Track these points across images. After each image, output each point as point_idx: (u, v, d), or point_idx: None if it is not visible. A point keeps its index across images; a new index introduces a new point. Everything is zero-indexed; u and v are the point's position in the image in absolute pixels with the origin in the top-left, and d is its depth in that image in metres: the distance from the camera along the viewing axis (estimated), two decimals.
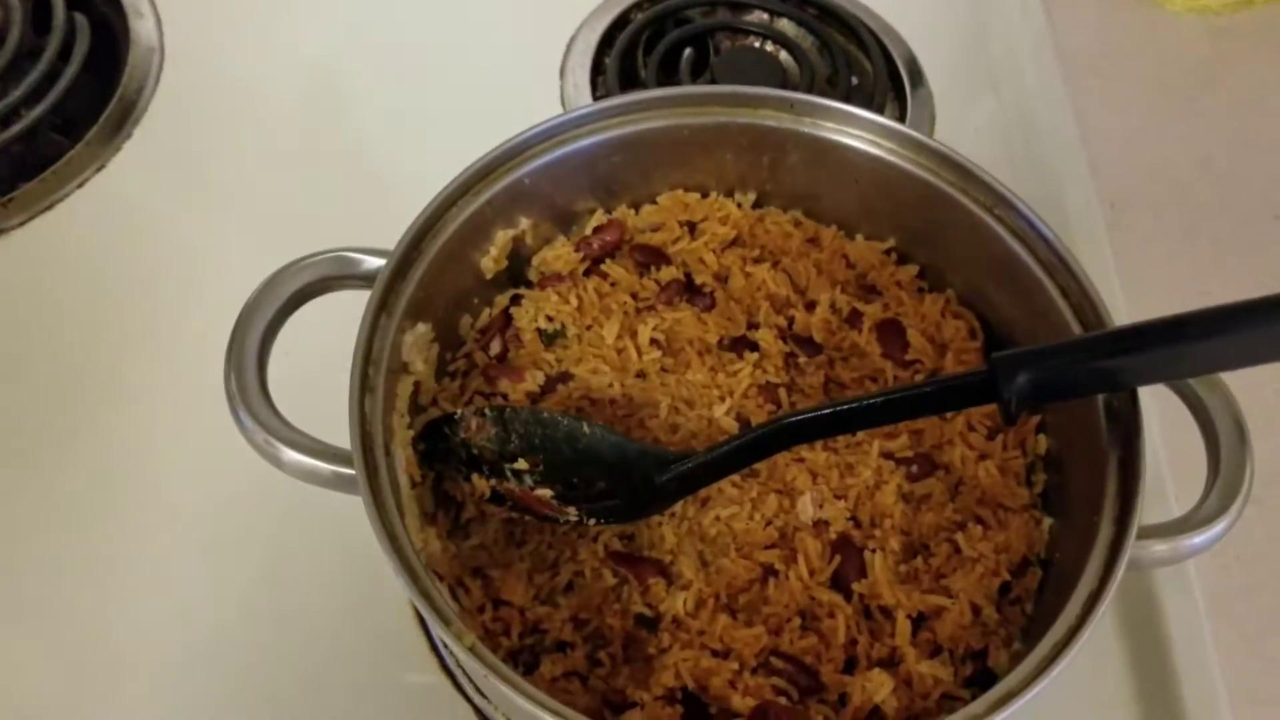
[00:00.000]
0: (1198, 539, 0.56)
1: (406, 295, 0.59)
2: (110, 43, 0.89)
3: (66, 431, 0.73)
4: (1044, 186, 0.85)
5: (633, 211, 0.70)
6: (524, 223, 0.66)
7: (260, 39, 0.91)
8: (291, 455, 0.55)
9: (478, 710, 0.66)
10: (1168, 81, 0.93)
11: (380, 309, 0.58)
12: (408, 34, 0.93)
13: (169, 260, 0.80)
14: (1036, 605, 0.59)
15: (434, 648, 0.68)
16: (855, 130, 0.65)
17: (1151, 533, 0.56)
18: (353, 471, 0.54)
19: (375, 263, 0.59)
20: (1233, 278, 0.82)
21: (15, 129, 0.82)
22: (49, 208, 0.81)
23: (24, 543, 0.70)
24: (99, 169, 0.83)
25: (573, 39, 0.92)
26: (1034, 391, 0.54)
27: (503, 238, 0.65)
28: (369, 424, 0.55)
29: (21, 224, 0.80)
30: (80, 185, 0.82)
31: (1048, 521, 0.62)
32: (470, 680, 0.66)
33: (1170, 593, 0.70)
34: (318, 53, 0.91)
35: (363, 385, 0.56)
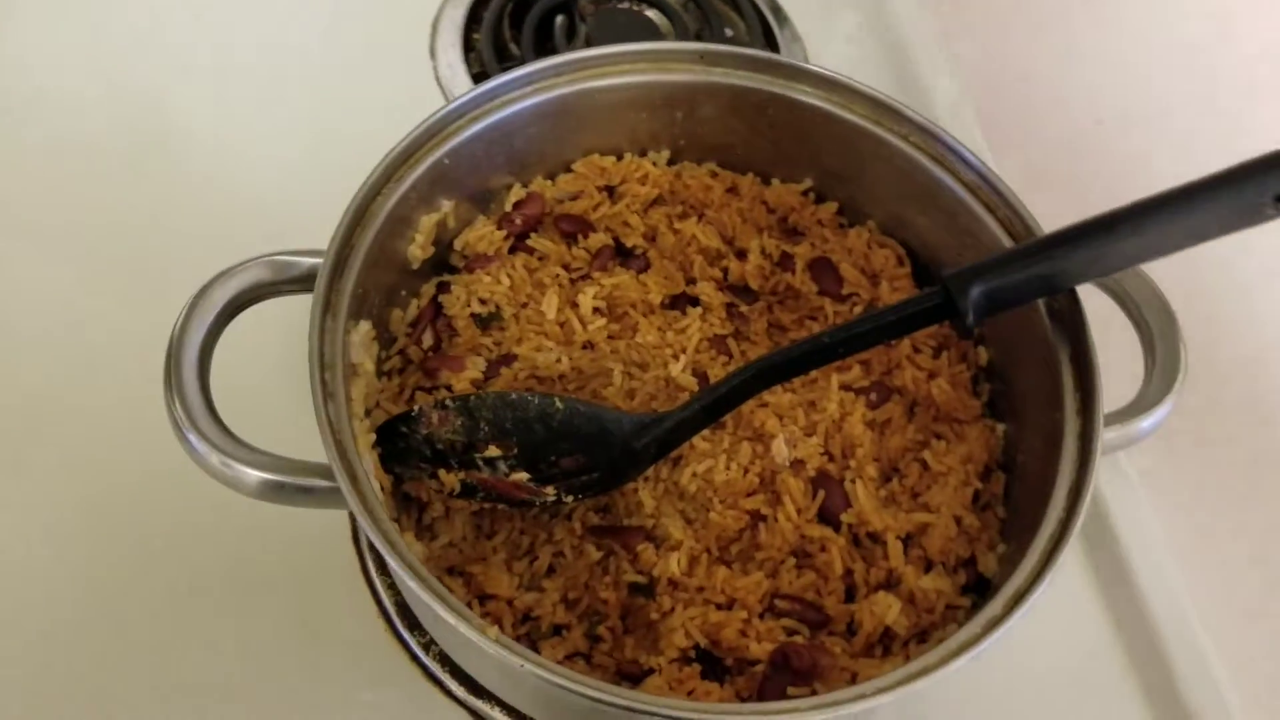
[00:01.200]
0: (1146, 422, 0.60)
1: (347, 293, 0.56)
2: None
3: None
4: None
5: (549, 182, 0.69)
6: (446, 205, 0.64)
7: (87, 56, 0.85)
8: (254, 474, 0.52)
9: (473, 712, 0.64)
10: (987, 3, 0.97)
11: (325, 310, 0.55)
12: (265, 36, 0.88)
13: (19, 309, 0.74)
14: (1007, 507, 0.62)
15: (414, 657, 0.65)
16: (766, 75, 0.66)
17: (1105, 421, 0.59)
18: (324, 484, 0.51)
19: (310, 263, 0.56)
20: (1063, 181, 0.86)
21: None
22: None
23: None
24: None
25: (437, 19, 0.89)
26: (987, 302, 0.57)
27: (427, 223, 0.63)
28: (339, 432, 0.52)
29: None
30: None
31: (1000, 427, 0.64)
32: (460, 682, 0.64)
33: (1106, 476, 0.74)
34: (161, 72, 0.85)
35: (324, 391, 0.53)
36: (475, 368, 0.63)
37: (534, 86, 0.64)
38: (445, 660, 0.64)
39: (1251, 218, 0.56)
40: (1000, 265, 0.57)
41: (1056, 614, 0.72)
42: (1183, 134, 0.87)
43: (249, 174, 0.81)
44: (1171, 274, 0.63)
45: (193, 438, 0.52)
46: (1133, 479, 0.74)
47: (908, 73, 0.90)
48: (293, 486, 0.52)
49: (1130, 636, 0.72)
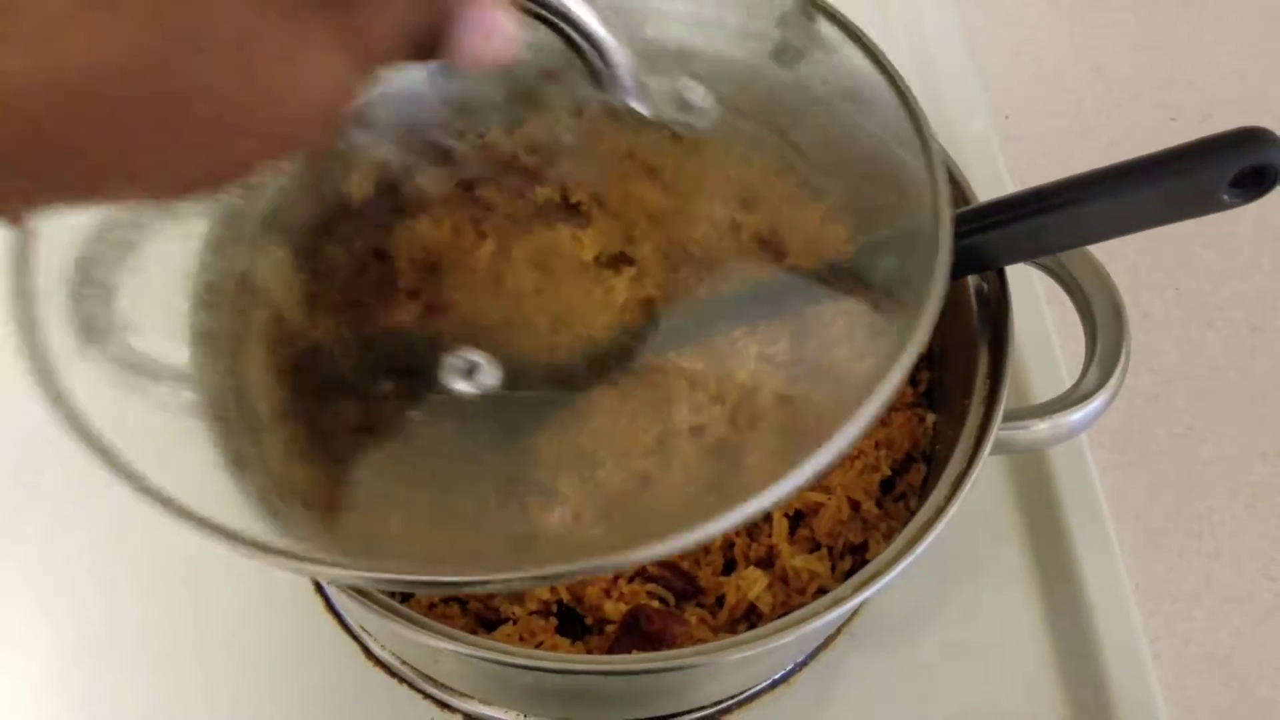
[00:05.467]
0: (1076, 416, 0.55)
1: (256, 218, 0.57)
2: None
3: None
4: (939, 105, 0.84)
5: (507, 135, 0.68)
6: (388, 148, 0.64)
7: None
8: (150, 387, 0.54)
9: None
10: None
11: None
12: None
13: None
14: (920, 499, 0.58)
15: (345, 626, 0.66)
16: None
17: (1031, 413, 0.55)
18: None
19: None
20: None
21: None
22: None
23: None
24: None
25: None
26: (901, 275, 0.53)
27: (366, 162, 0.63)
28: (214, 341, 0.53)
29: None
30: None
31: (931, 417, 0.60)
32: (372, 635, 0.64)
33: (1071, 492, 0.69)
34: None
35: (203, 304, 0.54)
36: (409, 312, 0.63)
37: None
38: None
39: (1204, 204, 0.52)
40: (916, 237, 0.54)
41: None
42: None
43: None
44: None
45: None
46: (1102, 505, 0.69)
47: (928, 70, 0.86)
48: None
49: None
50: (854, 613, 0.67)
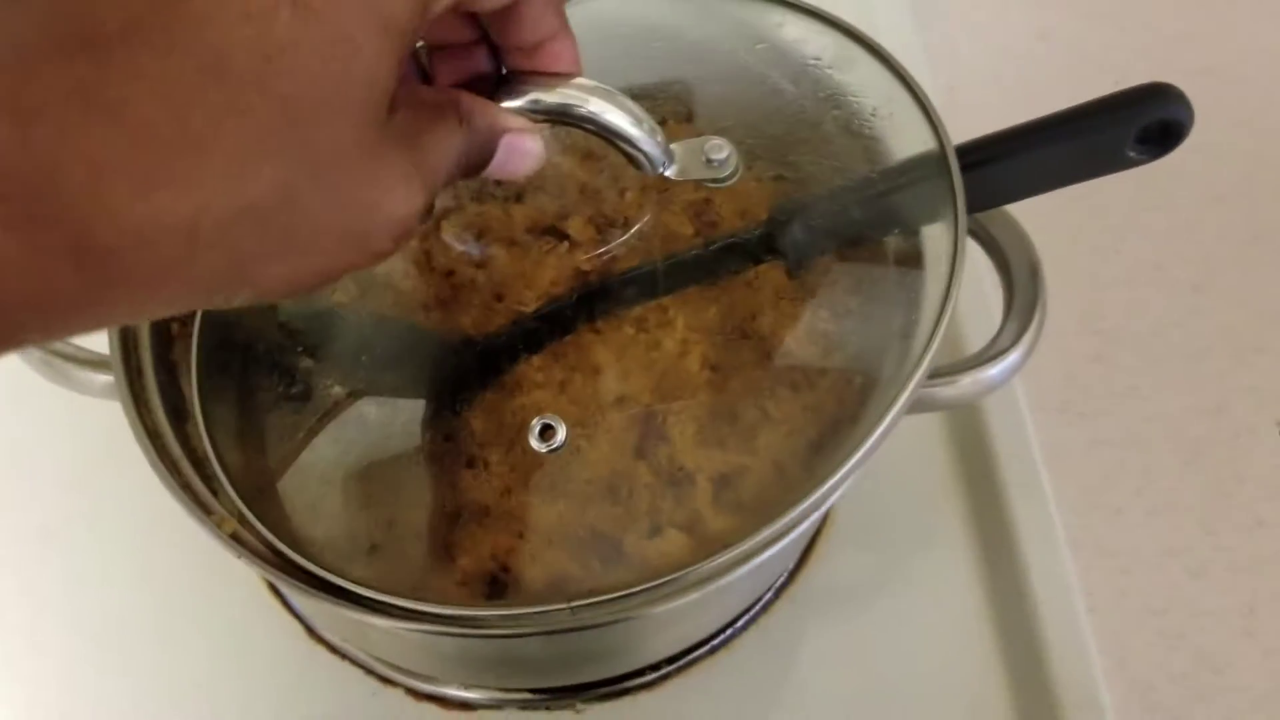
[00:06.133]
0: (994, 370, 0.56)
1: None
2: None
3: None
4: None
5: None
6: None
7: None
8: (73, 371, 0.54)
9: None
10: None
11: None
12: None
13: None
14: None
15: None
16: None
17: (951, 369, 0.56)
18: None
19: None
20: None
21: None
22: None
23: None
24: None
25: None
26: (813, 239, 0.54)
27: None
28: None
29: None
30: None
31: (859, 380, 0.61)
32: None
33: (1007, 454, 0.69)
34: None
35: None
36: (343, 292, 0.64)
37: None
38: None
39: (1111, 160, 0.52)
40: (831, 199, 0.55)
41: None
42: None
43: None
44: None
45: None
46: (1036, 460, 0.69)
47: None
48: (99, 381, 0.54)
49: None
50: (792, 577, 0.68)
